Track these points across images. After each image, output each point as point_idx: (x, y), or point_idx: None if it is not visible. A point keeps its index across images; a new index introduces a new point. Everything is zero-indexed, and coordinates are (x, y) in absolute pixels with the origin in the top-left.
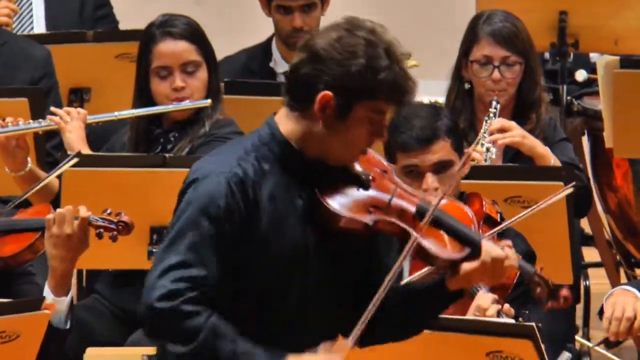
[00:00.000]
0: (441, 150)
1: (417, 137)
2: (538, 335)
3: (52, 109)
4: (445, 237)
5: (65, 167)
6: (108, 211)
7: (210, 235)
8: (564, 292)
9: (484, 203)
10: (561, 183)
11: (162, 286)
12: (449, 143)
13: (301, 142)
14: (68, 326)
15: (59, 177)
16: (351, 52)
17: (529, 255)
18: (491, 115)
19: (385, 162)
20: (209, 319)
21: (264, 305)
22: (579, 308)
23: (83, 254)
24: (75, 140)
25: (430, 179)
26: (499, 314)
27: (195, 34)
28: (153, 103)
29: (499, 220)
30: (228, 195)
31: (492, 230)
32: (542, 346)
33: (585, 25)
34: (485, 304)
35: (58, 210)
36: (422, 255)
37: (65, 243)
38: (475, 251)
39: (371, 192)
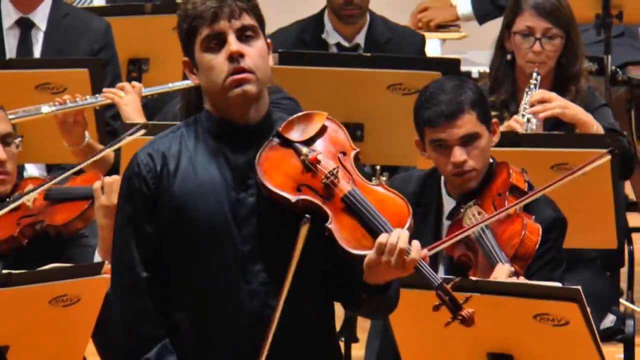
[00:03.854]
0: (467, 123)
1: (443, 112)
2: (584, 298)
3: (105, 89)
4: (359, 227)
5: (131, 137)
6: None
7: (128, 217)
8: (466, 313)
9: (510, 172)
10: (605, 150)
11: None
12: (475, 115)
13: (213, 107)
14: None
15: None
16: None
17: (556, 222)
18: (532, 86)
19: (352, 145)
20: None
21: (194, 272)
22: (623, 272)
23: None
24: (132, 112)
25: (458, 152)
26: None
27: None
28: None
29: (526, 189)
30: (136, 175)
31: (516, 202)
32: (588, 309)
33: None
34: (501, 277)
35: (105, 178)
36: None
37: (114, 212)
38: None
39: (306, 170)
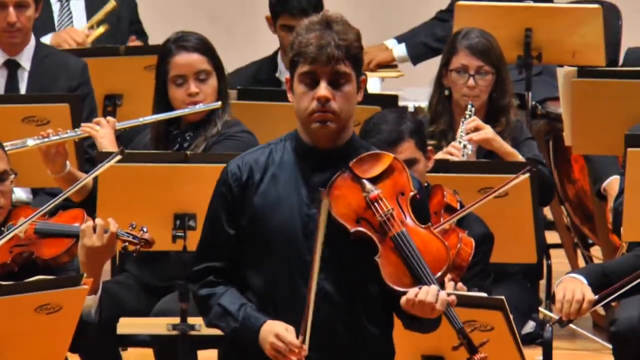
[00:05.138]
0: (407, 150)
1: (385, 140)
2: (507, 307)
3: (83, 124)
4: (402, 266)
5: (109, 164)
6: (133, 225)
7: (213, 218)
8: (480, 357)
9: (445, 193)
10: (527, 175)
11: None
12: (413, 143)
13: (302, 128)
14: (97, 320)
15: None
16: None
17: (485, 237)
18: (467, 116)
19: (411, 187)
20: (218, 299)
21: (264, 273)
22: (542, 283)
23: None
24: (107, 143)
25: None
26: (453, 289)
27: (205, 47)
28: (171, 107)
29: (458, 208)
30: (223, 182)
31: (450, 217)
32: (511, 316)
33: (547, 40)
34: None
35: (89, 222)
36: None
37: (94, 253)
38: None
39: (367, 206)
